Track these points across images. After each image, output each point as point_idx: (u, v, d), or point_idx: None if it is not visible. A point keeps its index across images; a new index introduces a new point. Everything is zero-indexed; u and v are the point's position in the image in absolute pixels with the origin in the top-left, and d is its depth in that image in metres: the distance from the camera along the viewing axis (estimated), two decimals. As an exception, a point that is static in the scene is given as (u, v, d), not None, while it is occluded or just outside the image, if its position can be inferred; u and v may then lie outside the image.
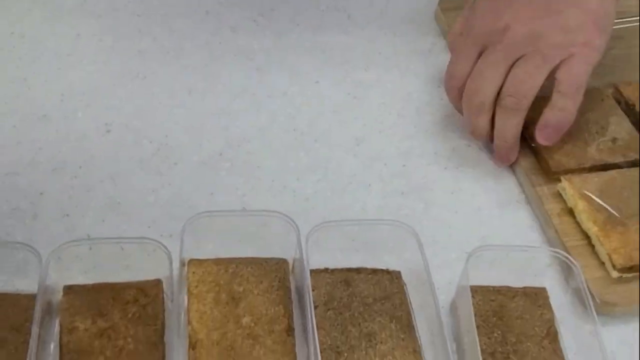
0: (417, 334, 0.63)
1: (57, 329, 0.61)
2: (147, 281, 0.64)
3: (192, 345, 0.61)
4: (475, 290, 0.64)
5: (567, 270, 0.67)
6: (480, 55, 0.73)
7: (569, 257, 0.66)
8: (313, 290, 0.63)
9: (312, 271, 0.64)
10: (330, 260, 0.67)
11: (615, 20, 0.74)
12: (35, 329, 0.58)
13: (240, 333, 0.61)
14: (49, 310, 0.63)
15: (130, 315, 0.62)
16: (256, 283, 0.64)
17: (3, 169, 0.73)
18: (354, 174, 0.76)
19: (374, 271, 0.66)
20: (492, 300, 0.64)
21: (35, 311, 0.59)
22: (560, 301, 0.67)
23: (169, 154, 0.76)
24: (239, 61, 0.86)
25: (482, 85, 0.73)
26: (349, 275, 0.66)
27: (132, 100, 0.81)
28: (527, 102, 0.71)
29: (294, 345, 0.61)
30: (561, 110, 0.71)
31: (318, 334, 0.60)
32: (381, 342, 0.62)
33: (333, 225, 0.67)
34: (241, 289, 0.64)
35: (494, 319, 0.63)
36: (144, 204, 0.72)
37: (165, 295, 0.63)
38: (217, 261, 0.65)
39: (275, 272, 0.65)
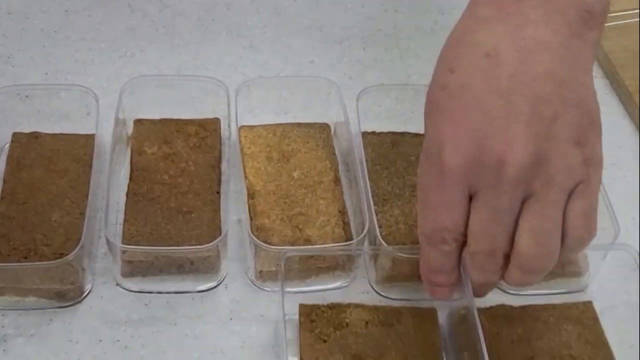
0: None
1: (128, 153, 0.69)
2: (207, 119, 0.71)
3: (251, 196, 0.66)
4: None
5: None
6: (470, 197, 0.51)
7: None
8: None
9: (361, 133, 0.70)
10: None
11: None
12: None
13: (293, 184, 0.67)
14: (120, 142, 0.69)
15: (191, 145, 0.69)
16: (303, 143, 0.70)
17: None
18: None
19: (417, 134, 0.72)
20: None
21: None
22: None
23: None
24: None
25: (497, 237, 0.51)
26: (394, 138, 0.72)
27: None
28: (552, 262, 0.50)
29: (342, 193, 0.68)
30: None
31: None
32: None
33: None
34: (290, 148, 0.70)
35: None
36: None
37: (222, 132, 0.71)
38: (266, 127, 0.71)
39: (319, 133, 0.71)
